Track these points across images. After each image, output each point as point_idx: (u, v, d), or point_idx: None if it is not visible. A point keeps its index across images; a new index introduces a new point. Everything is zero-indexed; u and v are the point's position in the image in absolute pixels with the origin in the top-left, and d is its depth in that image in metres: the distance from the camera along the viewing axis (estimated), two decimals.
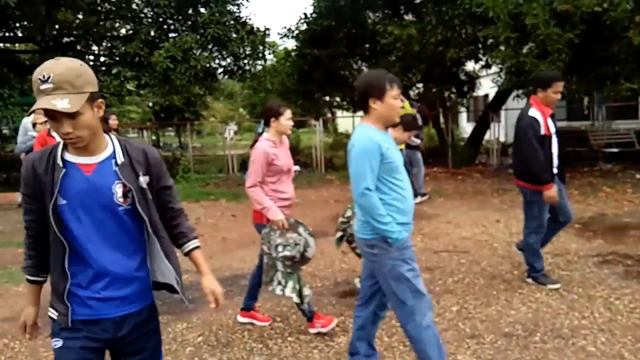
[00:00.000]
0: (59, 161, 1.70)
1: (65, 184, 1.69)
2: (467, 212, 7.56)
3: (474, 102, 19.71)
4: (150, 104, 27.13)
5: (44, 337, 3.75)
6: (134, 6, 13.16)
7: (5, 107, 19.55)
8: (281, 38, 14.25)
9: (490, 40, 10.35)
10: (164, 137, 32.17)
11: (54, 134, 4.38)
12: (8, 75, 15.94)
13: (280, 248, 3.49)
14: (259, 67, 13.78)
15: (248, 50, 12.66)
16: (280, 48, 18.82)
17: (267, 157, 3.49)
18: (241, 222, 7.61)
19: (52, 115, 1.62)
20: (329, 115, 23.51)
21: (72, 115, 1.61)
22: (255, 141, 3.65)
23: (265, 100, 28.12)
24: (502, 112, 14.10)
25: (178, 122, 24.66)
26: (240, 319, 3.94)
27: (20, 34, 13.62)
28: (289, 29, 14.05)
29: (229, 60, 13.10)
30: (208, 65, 11.79)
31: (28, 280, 1.87)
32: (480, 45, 11.24)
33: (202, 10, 11.36)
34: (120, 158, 1.76)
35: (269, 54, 13.81)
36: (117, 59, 13.47)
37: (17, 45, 15.98)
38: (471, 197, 8.91)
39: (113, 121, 8.71)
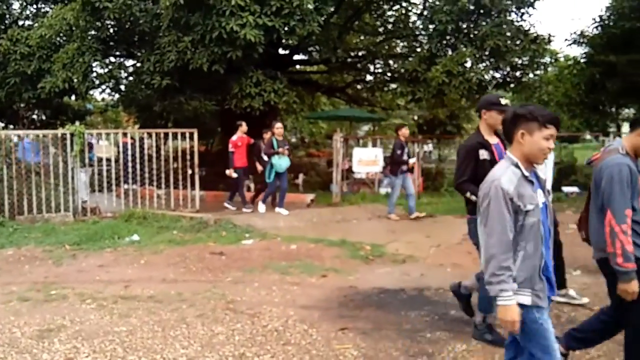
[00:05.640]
0: None
1: None
2: None
3: None
4: (415, 117, 28.05)
5: (336, 330, 4.09)
6: (411, 25, 13.70)
7: (296, 119, 23.09)
8: (569, 45, 12.95)
9: None
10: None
11: None
12: (302, 93, 18.70)
13: None
14: (535, 77, 12.74)
15: (526, 60, 11.82)
16: (559, 56, 17.13)
17: None
18: None
19: None
20: (611, 130, 20.30)
21: None
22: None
23: None
24: None
25: (445, 135, 24.82)
26: None
27: (315, 57, 15.69)
28: (581, 34, 12.76)
29: (503, 71, 12.47)
30: (482, 77, 11.43)
31: None
32: None
33: (482, 22, 11.07)
34: None
35: (550, 62, 12.65)
36: (390, 75, 14.18)
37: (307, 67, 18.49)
38: None
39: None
